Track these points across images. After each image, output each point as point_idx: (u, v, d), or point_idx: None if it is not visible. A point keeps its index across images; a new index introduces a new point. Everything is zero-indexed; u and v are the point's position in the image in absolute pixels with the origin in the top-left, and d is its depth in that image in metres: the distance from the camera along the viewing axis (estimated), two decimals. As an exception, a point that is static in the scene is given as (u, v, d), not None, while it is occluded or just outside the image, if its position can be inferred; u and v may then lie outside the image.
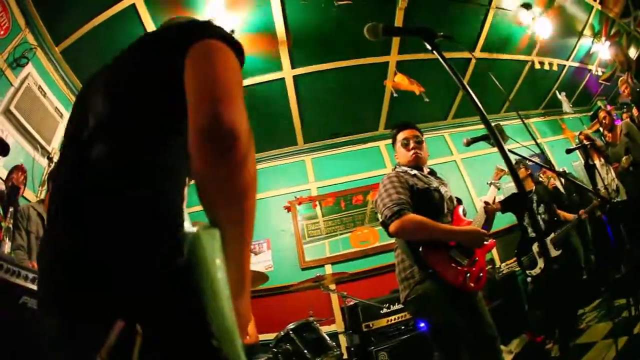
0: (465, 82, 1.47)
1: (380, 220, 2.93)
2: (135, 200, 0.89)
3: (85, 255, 0.87)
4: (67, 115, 4.79)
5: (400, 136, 3.25)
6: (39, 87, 4.45)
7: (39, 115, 4.42)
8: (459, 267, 2.76)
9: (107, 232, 0.87)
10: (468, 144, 2.78)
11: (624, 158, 5.29)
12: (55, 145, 4.61)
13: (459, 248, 2.83)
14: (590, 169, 4.60)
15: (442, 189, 3.01)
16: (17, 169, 4.01)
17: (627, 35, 7.06)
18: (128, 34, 4.55)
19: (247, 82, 5.49)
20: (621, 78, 6.28)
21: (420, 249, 2.81)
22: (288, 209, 6.71)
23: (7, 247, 3.44)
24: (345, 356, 4.83)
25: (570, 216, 5.01)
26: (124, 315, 0.79)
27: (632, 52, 7.12)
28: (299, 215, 6.71)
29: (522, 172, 4.97)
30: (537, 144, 3.93)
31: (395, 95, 6.09)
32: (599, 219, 5.49)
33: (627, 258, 4.42)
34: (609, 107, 6.34)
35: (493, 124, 2.77)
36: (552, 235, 4.51)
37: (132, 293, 0.82)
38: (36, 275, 2.58)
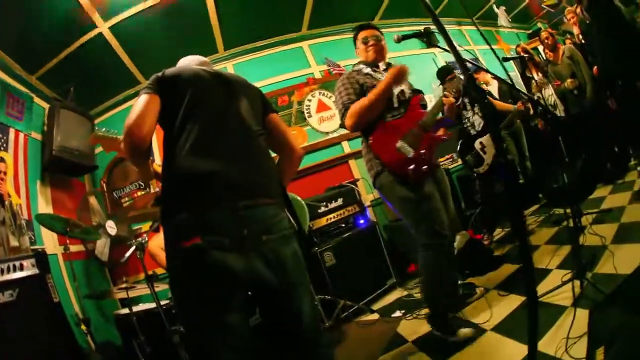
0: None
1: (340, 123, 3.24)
2: None
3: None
4: None
5: (361, 35, 3.42)
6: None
7: None
8: (405, 159, 2.94)
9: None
10: (398, 40, 2.79)
11: (569, 80, 5.46)
12: None
13: (407, 139, 2.98)
14: (527, 80, 4.67)
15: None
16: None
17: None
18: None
19: None
20: (569, 8, 6.25)
21: (370, 141, 3.05)
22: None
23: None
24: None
25: (509, 106, 5.08)
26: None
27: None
28: (226, 124, 6.45)
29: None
30: (456, 51, 3.88)
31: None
32: (534, 128, 5.67)
33: (567, 169, 4.58)
34: (550, 31, 6.36)
35: (423, 27, 2.73)
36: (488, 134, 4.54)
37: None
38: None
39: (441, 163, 6.65)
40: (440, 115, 3.26)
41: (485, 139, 4.48)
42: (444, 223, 2.98)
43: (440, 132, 3.22)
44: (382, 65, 3.30)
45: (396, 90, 3.09)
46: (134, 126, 1.74)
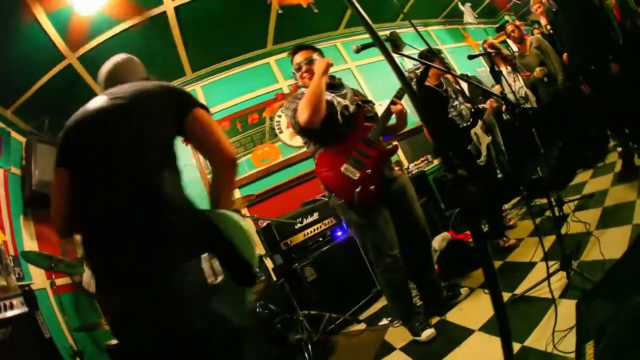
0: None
1: (294, 131, 3.26)
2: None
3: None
4: None
5: (294, 62, 3.39)
6: None
7: None
8: (350, 182, 2.98)
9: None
10: (357, 50, 2.90)
11: (538, 69, 5.51)
12: None
13: (351, 161, 3.03)
14: (496, 74, 4.68)
15: (336, 100, 3.18)
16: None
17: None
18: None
19: (126, 25, 5.14)
20: None
21: (317, 166, 3.14)
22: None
23: None
24: (274, 278, 4.85)
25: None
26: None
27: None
28: (197, 146, 6.42)
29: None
30: (433, 50, 3.88)
31: (280, 12, 5.87)
32: (508, 122, 5.71)
33: (544, 160, 4.61)
34: (517, 23, 6.46)
35: (389, 32, 2.74)
36: (480, 122, 4.40)
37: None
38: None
39: (416, 166, 6.70)
40: (394, 122, 3.32)
41: (478, 130, 4.38)
42: (393, 243, 3.08)
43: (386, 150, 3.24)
44: None
45: (339, 107, 3.12)
46: (53, 220, 1.74)
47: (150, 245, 1.49)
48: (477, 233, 2.05)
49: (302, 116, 2.96)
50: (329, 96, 3.14)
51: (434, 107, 4.32)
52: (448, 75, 5.47)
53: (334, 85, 3.38)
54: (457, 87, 4.69)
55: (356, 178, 2.96)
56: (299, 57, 3.34)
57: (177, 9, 5.31)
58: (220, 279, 1.49)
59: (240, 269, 1.63)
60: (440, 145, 4.14)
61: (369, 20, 1.18)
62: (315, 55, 3.34)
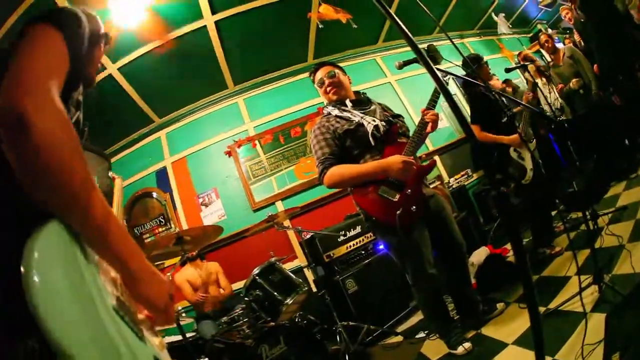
0: (394, 5, 1.42)
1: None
2: None
3: None
4: None
5: (316, 78, 3.40)
6: None
7: None
8: (390, 205, 2.91)
9: None
10: (400, 67, 2.85)
11: (574, 80, 5.47)
12: None
13: (387, 183, 2.95)
14: (533, 86, 4.65)
15: (367, 120, 3.10)
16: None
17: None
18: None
19: (170, 36, 5.36)
20: (563, 6, 6.34)
21: (352, 191, 3.09)
22: (229, 153, 6.64)
23: None
24: (314, 289, 4.92)
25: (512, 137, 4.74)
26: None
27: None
28: (240, 157, 6.65)
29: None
30: (477, 56, 3.92)
31: (320, 26, 5.97)
32: (543, 137, 5.66)
33: (579, 173, 4.57)
34: (550, 31, 6.44)
35: (426, 45, 2.77)
36: (519, 129, 4.20)
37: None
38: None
39: (456, 180, 6.70)
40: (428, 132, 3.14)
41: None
42: (431, 261, 3.05)
43: (425, 166, 3.16)
44: (348, 103, 3.27)
45: (370, 128, 3.06)
46: None
47: None
48: (519, 249, 2.07)
49: (326, 184, 3.05)
50: (357, 117, 3.12)
51: (487, 112, 4.25)
52: (492, 83, 5.41)
53: (361, 101, 3.35)
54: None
55: (396, 200, 2.90)
56: (321, 73, 3.36)
57: (217, 23, 5.51)
58: None
59: None
60: (497, 155, 4.15)
61: (411, 36, 1.22)
62: (337, 70, 3.37)
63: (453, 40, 5.93)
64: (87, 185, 0.95)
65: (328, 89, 3.31)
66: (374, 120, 3.10)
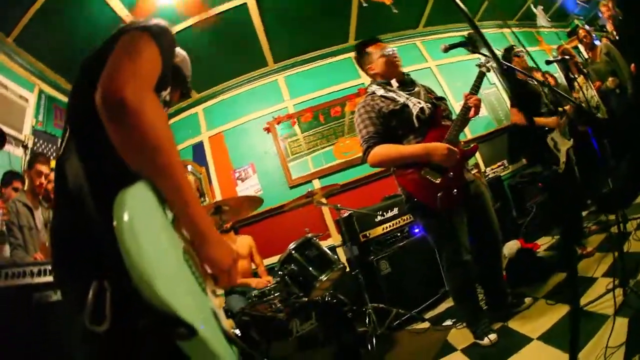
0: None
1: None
2: None
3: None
4: (32, 99, 4.97)
5: (378, 48, 3.34)
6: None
7: (5, 109, 4.47)
8: (432, 186, 2.91)
9: None
10: (446, 50, 2.88)
11: (610, 79, 5.37)
12: (27, 132, 4.67)
13: (430, 165, 2.94)
14: (571, 81, 4.56)
15: (412, 102, 3.10)
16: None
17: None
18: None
19: (211, 12, 5.38)
20: (603, 2, 6.20)
21: (395, 171, 3.10)
22: (267, 130, 6.69)
23: (6, 250, 3.43)
24: (347, 269, 4.95)
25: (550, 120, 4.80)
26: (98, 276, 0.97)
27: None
28: (279, 135, 6.69)
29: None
30: (511, 47, 3.90)
31: (364, 5, 5.87)
32: (579, 133, 5.55)
33: (613, 174, 4.48)
34: (587, 27, 6.30)
35: (467, 33, 2.74)
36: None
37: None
38: (40, 266, 2.62)
39: (492, 170, 6.63)
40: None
41: (556, 135, 4.17)
42: (467, 247, 3.05)
43: (467, 150, 3.14)
44: (394, 83, 3.25)
45: (415, 110, 3.05)
46: None
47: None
48: (569, 236, 2.04)
49: (370, 163, 3.08)
50: (402, 97, 3.12)
51: (527, 100, 4.21)
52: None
53: (405, 82, 3.32)
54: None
55: (438, 182, 2.89)
56: (385, 45, 3.36)
57: (258, 0, 5.50)
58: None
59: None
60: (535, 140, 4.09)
61: (470, 16, 1.21)
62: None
63: (492, 30, 5.86)
64: (176, 159, 1.11)
65: (397, 61, 3.29)
66: (419, 103, 3.09)
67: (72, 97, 1.36)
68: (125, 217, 0.88)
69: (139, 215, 0.93)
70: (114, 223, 0.86)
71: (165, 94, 1.41)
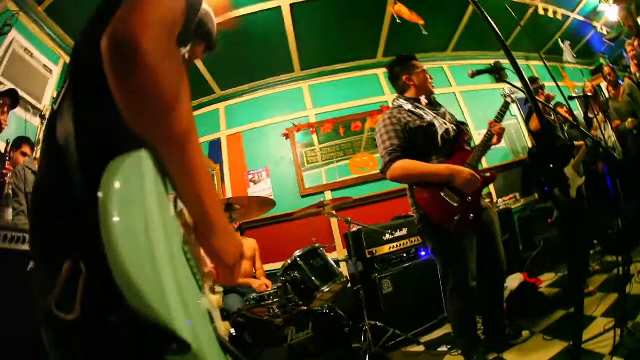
0: (465, 20, 1.43)
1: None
2: None
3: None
4: (56, 71, 4.99)
5: (419, 64, 3.37)
6: (25, 50, 4.54)
7: (28, 77, 4.52)
8: (449, 208, 2.90)
9: None
10: (473, 75, 2.88)
11: (630, 119, 5.38)
12: (46, 103, 4.68)
13: (450, 187, 2.93)
14: (589, 120, 4.55)
15: (439, 121, 3.10)
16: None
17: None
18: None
19: (242, 11, 5.46)
20: (628, 41, 6.23)
21: (414, 188, 3.06)
22: (287, 136, 6.73)
23: (9, 214, 3.40)
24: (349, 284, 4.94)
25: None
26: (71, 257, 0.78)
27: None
28: (297, 142, 6.71)
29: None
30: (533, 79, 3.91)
31: (398, 21, 5.92)
32: (593, 171, 5.53)
33: (622, 213, 4.46)
34: (612, 66, 6.33)
35: (493, 62, 2.75)
36: (572, 161, 4.25)
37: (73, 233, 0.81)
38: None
39: (504, 202, 6.62)
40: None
41: (569, 169, 4.22)
42: (474, 274, 3.02)
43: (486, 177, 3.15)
44: (424, 100, 3.26)
45: (441, 130, 3.05)
46: None
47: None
48: (576, 275, 2.05)
49: (389, 177, 3.03)
50: (429, 116, 3.12)
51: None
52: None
53: (432, 102, 3.34)
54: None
55: (455, 205, 2.89)
56: (421, 64, 3.39)
57: (292, 6, 5.56)
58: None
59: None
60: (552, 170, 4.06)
61: (506, 43, 1.21)
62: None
63: (519, 61, 5.81)
64: (190, 127, 0.92)
65: (432, 79, 3.34)
66: (445, 124, 3.10)
67: (75, 48, 1.14)
68: (116, 189, 0.72)
69: (133, 190, 0.77)
70: (99, 195, 0.70)
71: (185, 51, 1.21)
